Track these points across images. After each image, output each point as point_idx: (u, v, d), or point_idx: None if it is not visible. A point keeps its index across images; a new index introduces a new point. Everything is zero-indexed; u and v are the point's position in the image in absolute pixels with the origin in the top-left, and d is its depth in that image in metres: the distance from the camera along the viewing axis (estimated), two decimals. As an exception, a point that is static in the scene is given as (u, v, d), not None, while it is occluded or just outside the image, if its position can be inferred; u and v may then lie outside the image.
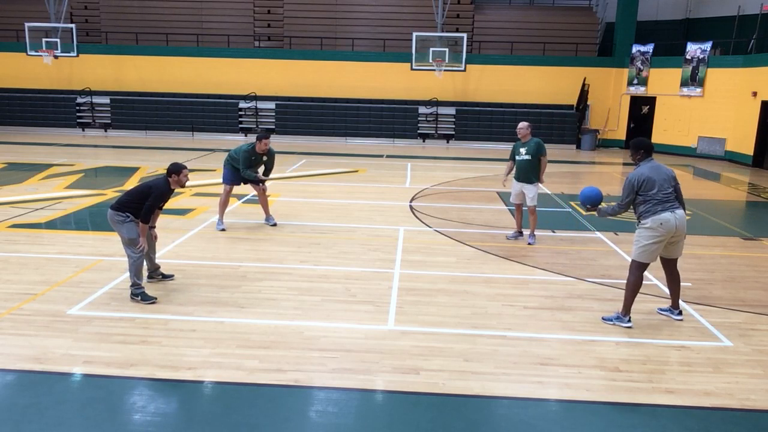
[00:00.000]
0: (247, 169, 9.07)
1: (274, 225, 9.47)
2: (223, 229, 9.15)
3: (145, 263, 6.64)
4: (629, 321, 5.92)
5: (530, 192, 8.77)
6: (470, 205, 11.73)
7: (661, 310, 6.30)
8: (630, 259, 5.95)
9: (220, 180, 9.56)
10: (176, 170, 6.37)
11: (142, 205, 6.12)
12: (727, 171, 18.38)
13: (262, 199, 9.53)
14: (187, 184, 6.65)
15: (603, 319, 6.06)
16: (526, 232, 9.06)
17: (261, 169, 9.42)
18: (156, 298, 6.24)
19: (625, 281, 5.97)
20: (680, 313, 6.19)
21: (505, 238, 9.12)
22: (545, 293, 6.82)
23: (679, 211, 5.70)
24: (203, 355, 5.07)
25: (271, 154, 9.33)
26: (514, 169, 9.02)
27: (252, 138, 23.49)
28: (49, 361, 4.88)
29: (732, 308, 6.54)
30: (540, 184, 8.90)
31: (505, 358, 5.20)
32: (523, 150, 8.76)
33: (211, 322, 5.77)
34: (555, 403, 4.55)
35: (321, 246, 8.49)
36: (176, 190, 6.55)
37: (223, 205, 9.38)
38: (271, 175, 9.64)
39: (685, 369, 5.09)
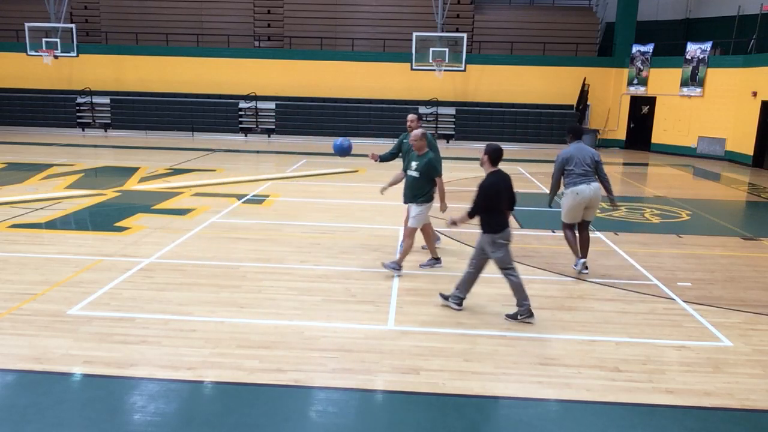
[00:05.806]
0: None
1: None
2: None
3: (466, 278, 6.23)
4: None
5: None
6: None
7: (575, 265, 7.39)
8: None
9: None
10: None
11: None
12: (727, 171, 18.37)
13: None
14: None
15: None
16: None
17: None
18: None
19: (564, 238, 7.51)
20: (586, 268, 7.34)
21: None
22: (545, 293, 6.82)
23: (594, 184, 7.08)
24: (203, 355, 5.07)
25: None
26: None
27: (253, 138, 23.65)
28: (49, 361, 4.88)
29: (732, 308, 6.54)
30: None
31: (505, 358, 5.20)
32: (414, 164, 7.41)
33: (211, 322, 5.77)
34: (555, 403, 4.55)
35: (321, 246, 8.49)
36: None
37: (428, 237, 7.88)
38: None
39: (685, 369, 5.09)
